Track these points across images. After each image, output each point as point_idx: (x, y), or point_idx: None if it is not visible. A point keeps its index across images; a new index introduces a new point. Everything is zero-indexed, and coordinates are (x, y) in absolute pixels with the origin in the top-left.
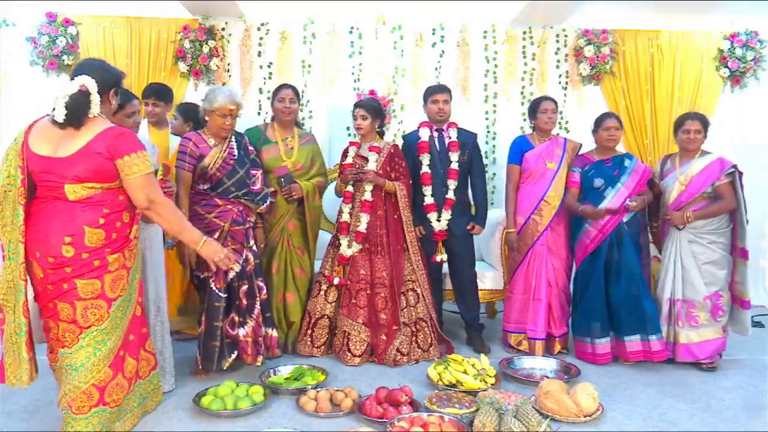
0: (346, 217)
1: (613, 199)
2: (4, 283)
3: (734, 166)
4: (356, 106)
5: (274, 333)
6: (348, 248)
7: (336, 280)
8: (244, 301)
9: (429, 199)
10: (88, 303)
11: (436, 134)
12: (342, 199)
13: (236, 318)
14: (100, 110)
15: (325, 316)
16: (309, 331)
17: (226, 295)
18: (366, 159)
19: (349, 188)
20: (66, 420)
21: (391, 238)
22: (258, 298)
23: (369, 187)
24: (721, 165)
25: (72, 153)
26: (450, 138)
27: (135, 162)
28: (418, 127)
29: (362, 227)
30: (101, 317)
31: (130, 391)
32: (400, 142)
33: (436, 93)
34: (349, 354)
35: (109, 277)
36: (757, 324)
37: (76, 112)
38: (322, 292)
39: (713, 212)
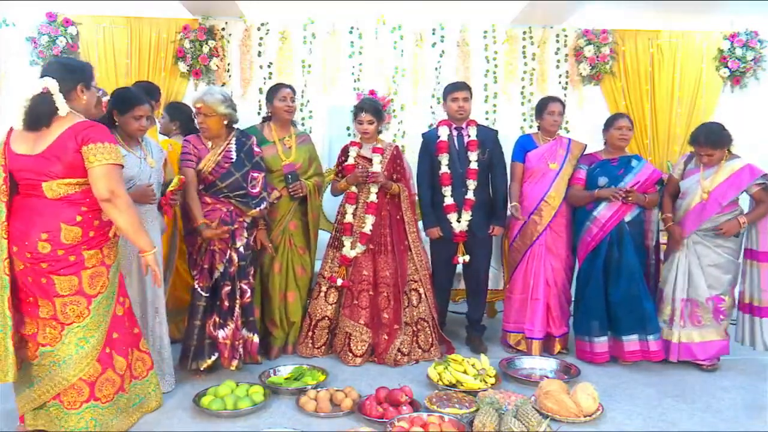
0: (349, 218)
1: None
2: None
3: (766, 175)
4: (361, 109)
5: (255, 338)
6: (351, 249)
7: (339, 282)
8: (226, 303)
9: (449, 200)
10: (66, 299)
11: (455, 133)
12: (344, 198)
13: (217, 319)
14: (73, 106)
15: (326, 318)
16: (310, 333)
17: (207, 295)
18: (368, 159)
19: (353, 189)
20: (58, 415)
21: (394, 237)
22: (239, 301)
23: (374, 189)
24: (751, 174)
25: (44, 149)
26: (469, 136)
27: (100, 151)
28: (437, 126)
29: (367, 229)
30: (81, 314)
31: (125, 389)
32: (399, 143)
33: (456, 90)
34: (351, 354)
35: (86, 273)
36: None
37: (39, 114)
38: (322, 294)
39: (759, 215)
